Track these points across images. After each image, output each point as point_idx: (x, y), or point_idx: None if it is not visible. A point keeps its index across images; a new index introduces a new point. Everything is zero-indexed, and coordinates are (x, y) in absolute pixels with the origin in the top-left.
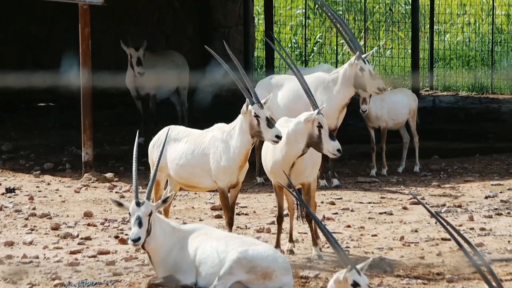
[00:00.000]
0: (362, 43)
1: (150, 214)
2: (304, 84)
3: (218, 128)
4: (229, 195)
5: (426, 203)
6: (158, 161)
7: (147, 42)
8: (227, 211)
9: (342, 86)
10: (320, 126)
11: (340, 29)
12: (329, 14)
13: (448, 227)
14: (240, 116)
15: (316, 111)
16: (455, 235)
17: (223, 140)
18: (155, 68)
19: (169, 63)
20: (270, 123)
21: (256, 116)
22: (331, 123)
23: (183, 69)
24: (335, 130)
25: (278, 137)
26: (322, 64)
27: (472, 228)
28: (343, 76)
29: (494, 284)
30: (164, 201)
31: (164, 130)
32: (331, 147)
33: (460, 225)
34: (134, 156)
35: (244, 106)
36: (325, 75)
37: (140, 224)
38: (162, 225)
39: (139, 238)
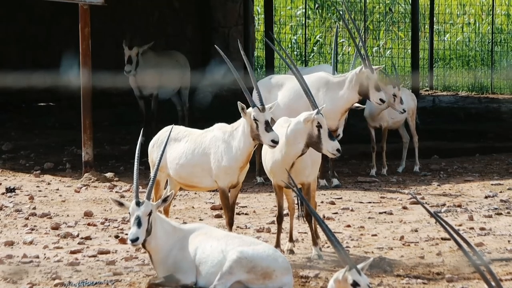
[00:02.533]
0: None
1: (150, 214)
2: (303, 84)
3: (219, 128)
4: (229, 194)
5: (426, 203)
6: (159, 161)
7: (147, 42)
8: (227, 211)
9: (348, 91)
10: (319, 126)
11: (358, 43)
12: (353, 31)
13: (447, 227)
14: (243, 118)
15: (315, 111)
16: (454, 235)
17: (224, 141)
18: (159, 67)
19: (173, 63)
20: (269, 127)
21: (255, 120)
22: (331, 124)
23: (185, 69)
24: (335, 131)
25: (274, 142)
26: (322, 64)
27: (472, 228)
28: (349, 82)
29: (493, 283)
30: (164, 200)
31: (164, 130)
32: (331, 147)
33: (460, 225)
34: (136, 155)
35: (243, 108)
36: (328, 75)
37: (139, 224)
38: (163, 225)
39: (137, 238)
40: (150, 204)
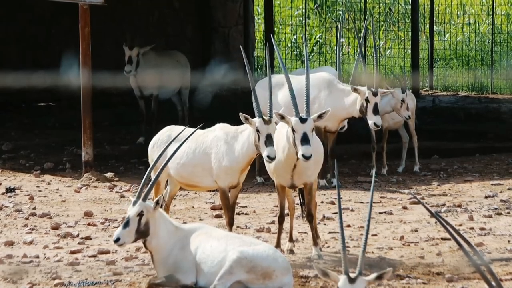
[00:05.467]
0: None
1: (140, 215)
2: (292, 89)
3: (221, 128)
4: (229, 195)
5: (426, 202)
6: (156, 161)
7: (147, 42)
8: (228, 211)
9: (351, 105)
10: (293, 130)
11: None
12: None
13: (447, 227)
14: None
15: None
16: (455, 235)
17: (226, 141)
18: (160, 67)
19: (173, 63)
20: (269, 141)
21: (257, 131)
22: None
23: (186, 69)
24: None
25: (270, 158)
26: (323, 66)
27: (472, 228)
28: (354, 99)
29: (493, 283)
30: (157, 203)
31: (164, 130)
32: (300, 150)
33: (460, 225)
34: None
35: (247, 118)
36: (331, 77)
37: (126, 225)
38: (166, 224)
39: (118, 239)
40: (143, 205)
